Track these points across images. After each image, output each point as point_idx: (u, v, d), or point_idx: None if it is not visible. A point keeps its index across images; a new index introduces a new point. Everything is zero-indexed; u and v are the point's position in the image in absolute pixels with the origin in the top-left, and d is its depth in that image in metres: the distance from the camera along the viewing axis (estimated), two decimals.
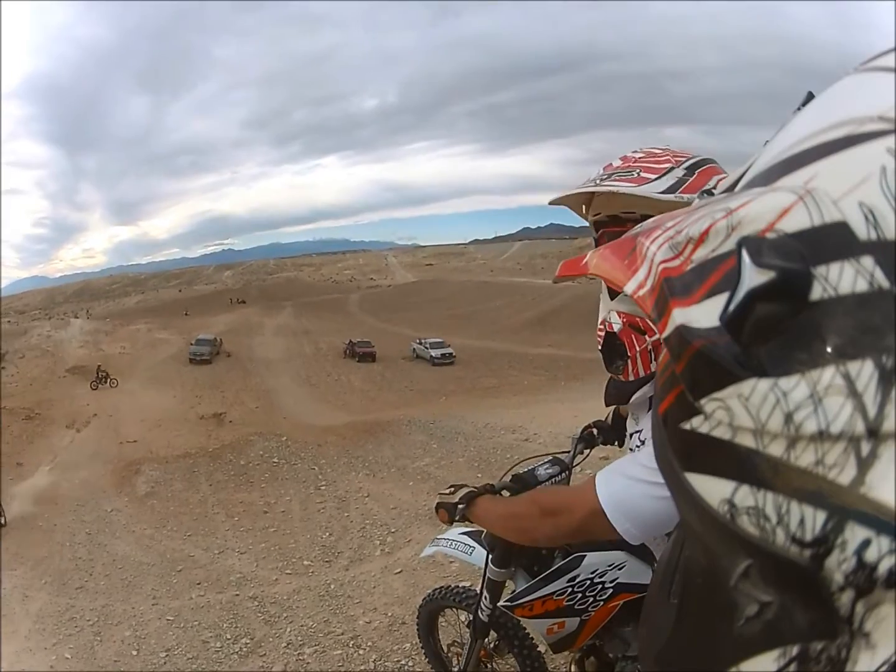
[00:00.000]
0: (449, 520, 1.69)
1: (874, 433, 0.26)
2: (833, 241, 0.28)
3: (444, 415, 12.30)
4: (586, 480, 1.29)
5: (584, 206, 1.44)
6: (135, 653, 4.77)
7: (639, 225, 0.44)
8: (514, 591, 1.89)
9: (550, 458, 1.94)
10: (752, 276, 0.29)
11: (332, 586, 5.28)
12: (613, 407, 1.94)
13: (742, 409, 0.29)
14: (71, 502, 9.73)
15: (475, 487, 1.71)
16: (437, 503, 1.74)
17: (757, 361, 0.29)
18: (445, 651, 2.67)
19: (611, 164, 1.35)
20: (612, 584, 1.74)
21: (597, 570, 1.75)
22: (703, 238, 0.33)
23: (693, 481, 0.33)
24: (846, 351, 0.27)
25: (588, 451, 2.03)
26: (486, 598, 2.03)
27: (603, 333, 1.35)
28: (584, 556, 1.77)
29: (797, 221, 0.29)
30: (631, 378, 1.34)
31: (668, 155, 1.32)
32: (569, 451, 2.03)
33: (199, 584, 5.96)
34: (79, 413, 20.33)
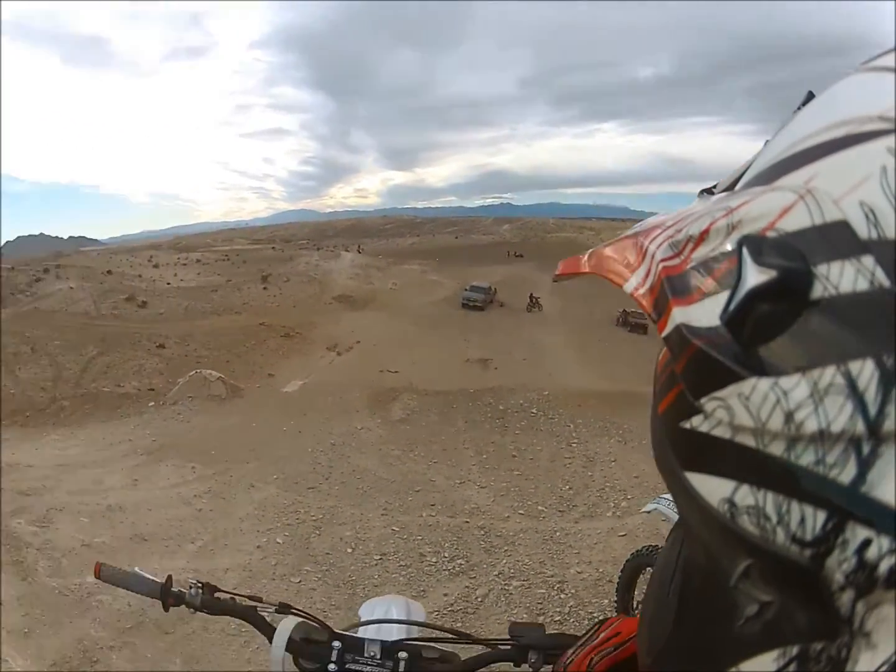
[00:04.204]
0: None
1: (875, 433, 0.26)
2: (834, 240, 0.28)
3: None
4: None
5: None
6: (349, 550, 5.04)
7: (638, 224, 0.43)
8: None
9: None
10: (753, 276, 0.29)
11: (558, 534, 5.41)
12: None
13: (742, 408, 0.29)
14: (321, 415, 9.76)
15: None
16: None
17: (757, 360, 0.29)
18: (635, 608, 2.71)
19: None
20: None
21: None
22: (703, 237, 0.33)
23: (693, 480, 0.33)
24: (847, 350, 0.27)
25: None
26: None
27: None
28: None
29: (798, 220, 0.29)
30: None
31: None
32: None
33: (432, 505, 6.12)
34: (341, 338, 20.36)
